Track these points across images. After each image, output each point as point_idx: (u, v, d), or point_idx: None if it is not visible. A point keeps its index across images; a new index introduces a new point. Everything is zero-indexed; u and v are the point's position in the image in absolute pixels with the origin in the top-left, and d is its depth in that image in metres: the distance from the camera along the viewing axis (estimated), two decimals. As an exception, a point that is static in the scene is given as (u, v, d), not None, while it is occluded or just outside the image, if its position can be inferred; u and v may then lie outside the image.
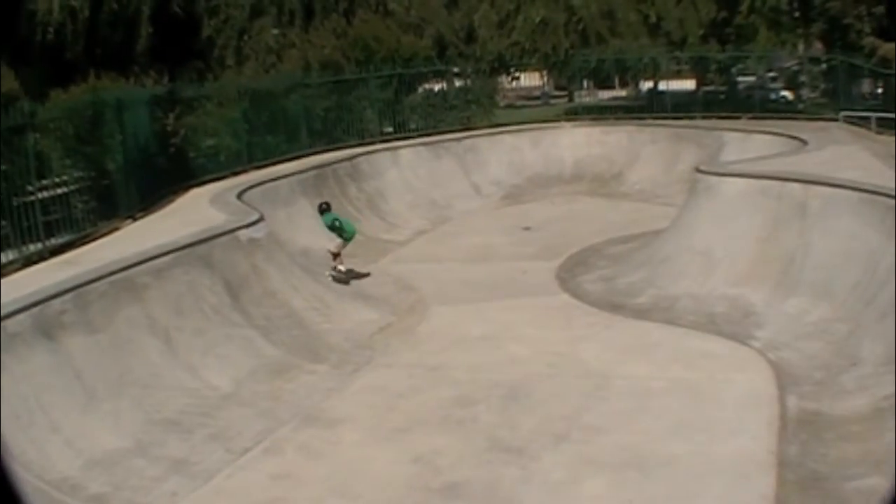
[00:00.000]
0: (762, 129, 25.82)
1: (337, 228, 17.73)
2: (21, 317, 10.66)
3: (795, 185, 15.92)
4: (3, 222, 14.14)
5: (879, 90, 29.94)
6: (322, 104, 26.97)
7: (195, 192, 20.23)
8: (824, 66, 31.23)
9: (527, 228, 22.61)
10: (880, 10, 29.73)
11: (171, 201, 19.47)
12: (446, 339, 14.48)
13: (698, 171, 18.43)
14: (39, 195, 15.32)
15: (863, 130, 24.59)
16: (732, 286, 15.29)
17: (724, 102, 31.86)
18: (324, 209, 18.14)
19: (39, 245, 14.58)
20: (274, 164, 23.60)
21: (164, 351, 12.22)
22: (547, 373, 12.75)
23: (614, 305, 15.68)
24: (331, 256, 17.71)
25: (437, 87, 31.85)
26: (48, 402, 10.07)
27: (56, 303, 11.30)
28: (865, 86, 30.99)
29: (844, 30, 30.96)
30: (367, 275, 18.16)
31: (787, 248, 15.22)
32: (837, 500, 8.80)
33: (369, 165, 25.37)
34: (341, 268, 17.63)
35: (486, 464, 10.00)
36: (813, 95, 31.45)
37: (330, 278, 17.38)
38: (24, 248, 14.24)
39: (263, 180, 21.30)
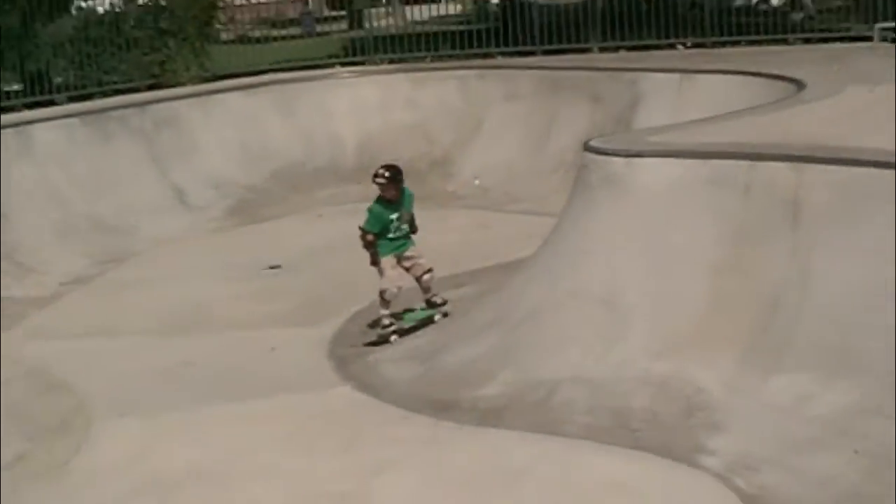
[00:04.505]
0: (718, 65, 16.60)
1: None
2: None
3: (779, 167, 8.80)
4: None
5: None
6: None
7: None
8: None
9: (273, 268, 14.21)
10: None
11: None
12: (128, 481, 8.01)
13: (590, 149, 10.26)
14: None
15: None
16: (661, 358, 8.54)
17: (645, 19, 20.15)
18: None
19: None
20: None
21: None
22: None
23: (440, 403, 8.89)
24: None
25: (102, 7, 19.96)
26: None
27: None
28: None
29: None
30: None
31: (767, 283, 8.51)
32: None
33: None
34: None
35: None
36: None
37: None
38: None
39: None
